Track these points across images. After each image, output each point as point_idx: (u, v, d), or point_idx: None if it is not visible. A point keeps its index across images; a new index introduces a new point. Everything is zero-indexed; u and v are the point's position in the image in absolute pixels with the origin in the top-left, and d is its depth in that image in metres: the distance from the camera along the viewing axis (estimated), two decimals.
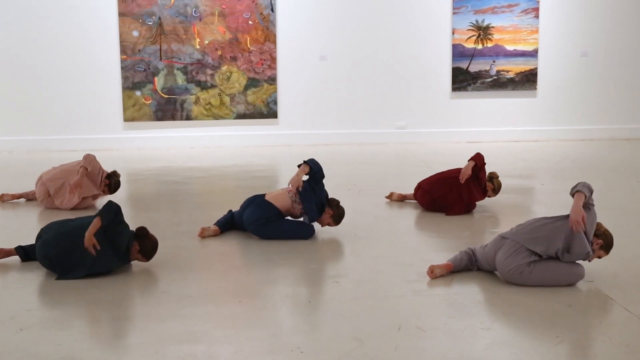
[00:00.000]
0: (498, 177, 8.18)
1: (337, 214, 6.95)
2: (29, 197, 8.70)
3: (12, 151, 13.02)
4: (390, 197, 8.58)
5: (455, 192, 7.93)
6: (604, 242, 5.45)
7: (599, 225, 5.48)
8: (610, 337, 4.46)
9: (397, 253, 6.41)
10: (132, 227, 7.59)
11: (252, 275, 5.85)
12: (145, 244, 5.88)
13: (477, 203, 8.08)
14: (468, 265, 5.72)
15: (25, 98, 13.27)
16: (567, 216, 5.36)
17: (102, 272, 5.72)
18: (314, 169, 6.92)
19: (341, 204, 7.02)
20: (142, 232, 5.92)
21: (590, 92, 14.30)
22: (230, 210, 7.27)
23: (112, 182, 8.54)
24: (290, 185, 6.93)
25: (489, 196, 8.16)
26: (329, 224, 6.99)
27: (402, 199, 8.52)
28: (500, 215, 7.89)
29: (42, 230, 5.97)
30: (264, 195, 7.03)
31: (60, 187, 8.28)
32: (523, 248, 5.35)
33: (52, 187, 8.27)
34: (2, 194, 8.67)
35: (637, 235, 6.95)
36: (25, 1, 13.06)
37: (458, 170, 8.08)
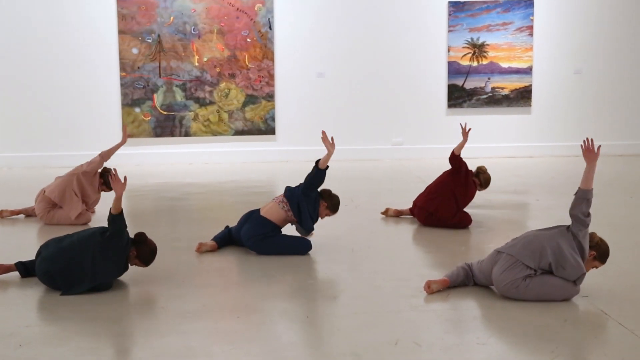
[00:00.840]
0: (485, 171, 8.19)
1: (332, 204, 7.01)
2: (28, 213, 8.69)
3: (11, 167, 13.01)
4: (385, 213, 8.58)
5: (448, 200, 7.93)
6: (598, 252, 5.45)
7: (592, 235, 5.48)
8: (605, 352, 4.45)
9: (394, 268, 6.40)
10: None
11: (250, 290, 5.84)
12: (143, 250, 5.88)
13: (473, 217, 8.08)
14: (464, 281, 5.71)
15: (25, 115, 13.28)
16: (557, 227, 5.39)
17: (105, 284, 5.72)
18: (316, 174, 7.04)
19: (337, 220, 7.03)
20: (141, 237, 5.92)
21: (584, 109, 14.34)
22: (227, 226, 7.27)
23: (105, 178, 8.52)
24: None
25: (477, 190, 8.17)
26: (327, 215, 7.03)
27: (398, 214, 8.52)
28: (495, 231, 7.89)
29: (41, 247, 5.95)
30: (259, 210, 7.03)
31: (64, 196, 8.30)
32: (519, 262, 5.34)
33: (57, 197, 8.28)
34: (2, 210, 8.66)
35: (631, 250, 6.94)
36: (26, 19, 13.09)
37: (444, 177, 8.08)
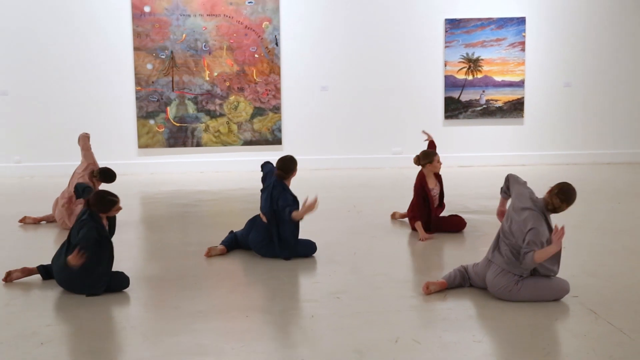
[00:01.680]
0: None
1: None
2: (50, 220, 8.73)
3: (33, 176, 13.04)
4: (393, 216, 8.62)
5: (424, 206, 7.91)
6: (559, 191, 5.39)
7: (552, 187, 5.45)
8: (594, 349, 4.44)
9: (394, 270, 6.40)
10: (144, 249, 7.60)
11: (257, 291, 5.84)
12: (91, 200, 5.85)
13: (469, 222, 8.08)
14: (461, 282, 5.71)
15: (47, 127, 13.32)
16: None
17: (121, 279, 5.75)
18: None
19: (340, 225, 7.02)
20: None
21: (573, 120, 14.34)
22: (232, 231, 7.29)
23: (98, 175, 8.51)
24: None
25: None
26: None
27: (403, 217, 8.55)
28: (491, 235, 7.82)
29: (53, 259, 5.94)
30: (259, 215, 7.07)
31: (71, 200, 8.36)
32: (506, 270, 5.36)
33: (68, 199, 8.34)
34: (25, 217, 8.67)
35: (619, 254, 6.93)
36: (48, 38, 13.15)
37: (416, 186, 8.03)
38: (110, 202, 5.81)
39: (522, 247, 5.23)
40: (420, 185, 7.90)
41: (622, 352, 4.38)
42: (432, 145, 8.61)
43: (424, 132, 9.01)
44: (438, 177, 8.10)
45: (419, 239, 7.59)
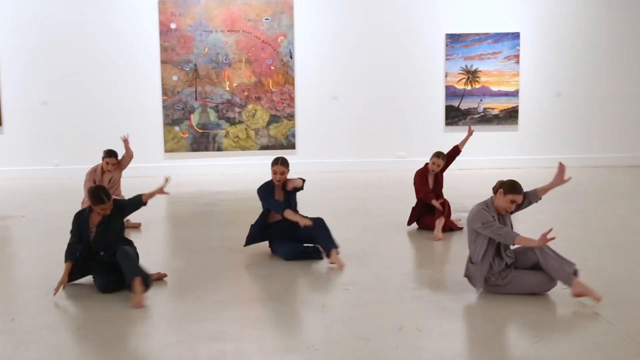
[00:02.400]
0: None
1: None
2: None
3: (71, 178, 13.12)
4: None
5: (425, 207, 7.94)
6: (504, 187, 5.22)
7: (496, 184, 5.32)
8: (582, 336, 4.44)
9: (399, 264, 6.40)
10: (170, 244, 7.64)
11: (273, 283, 5.85)
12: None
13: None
14: None
15: (83, 133, 13.41)
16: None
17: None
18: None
19: (349, 222, 7.01)
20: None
21: (564, 127, 14.30)
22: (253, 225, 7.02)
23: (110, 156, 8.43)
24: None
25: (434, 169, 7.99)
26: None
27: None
28: None
29: (94, 277, 5.81)
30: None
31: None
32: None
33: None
34: None
35: (604, 249, 6.92)
36: (86, 54, 13.26)
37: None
38: (100, 198, 5.52)
39: (478, 228, 5.19)
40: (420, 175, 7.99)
41: (607, 340, 4.37)
42: (456, 148, 8.39)
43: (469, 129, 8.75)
44: (435, 177, 8.07)
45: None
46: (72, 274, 5.57)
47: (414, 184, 8.05)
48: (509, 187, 5.24)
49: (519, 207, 5.40)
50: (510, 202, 5.24)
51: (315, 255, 6.55)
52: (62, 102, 13.41)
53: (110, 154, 8.46)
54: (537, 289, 5.27)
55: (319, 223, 6.57)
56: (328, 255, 6.43)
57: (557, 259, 5.14)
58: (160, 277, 5.83)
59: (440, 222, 7.59)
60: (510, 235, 5.13)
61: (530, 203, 5.48)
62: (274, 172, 6.78)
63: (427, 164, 8.04)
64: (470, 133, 8.50)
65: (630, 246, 7.04)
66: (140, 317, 4.98)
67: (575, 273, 5.11)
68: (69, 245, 5.65)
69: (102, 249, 5.65)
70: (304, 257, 6.52)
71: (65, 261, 5.55)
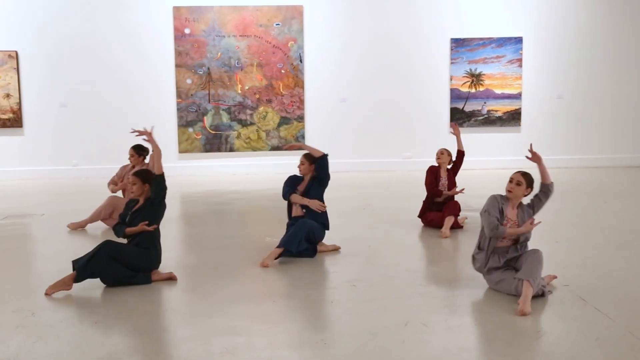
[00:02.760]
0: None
1: None
2: (93, 220, 8.26)
3: (88, 177, 13.16)
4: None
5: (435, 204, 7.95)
6: (527, 180, 5.40)
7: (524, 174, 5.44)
8: (583, 331, 4.41)
9: (405, 261, 6.38)
10: (184, 241, 7.64)
11: (284, 279, 5.85)
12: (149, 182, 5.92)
13: (472, 220, 8.03)
14: None
15: (100, 134, 13.45)
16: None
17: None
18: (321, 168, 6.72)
19: (357, 221, 7.00)
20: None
21: (565, 128, 14.24)
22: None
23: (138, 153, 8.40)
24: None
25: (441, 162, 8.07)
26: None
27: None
28: None
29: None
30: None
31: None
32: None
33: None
34: (70, 223, 8.29)
35: (605, 247, 6.87)
36: (102, 58, 13.30)
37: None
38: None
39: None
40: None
41: (607, 334, 4.34)
42: (459, 152, 8.32)
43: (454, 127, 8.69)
44: (448, 175, 8.09)
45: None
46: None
47: (425, 179, 8.06)
48: (530, 182, 5.45)
49: (540, 201, 5.46)
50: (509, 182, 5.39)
51: (308, 254, 6.51)
52: (80, 104, 13.45)
53: (134, 148, 8.42)
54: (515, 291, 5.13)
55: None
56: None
57: (538, 268, 5.03)
58: (170, 278, 5.81)
59: (449, 221, 7.57)
60: (499, 230, 5.18)
61: (543, 191, 5.49)
62: (299, 164, 6.80)
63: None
64: (456, 130, 8.44)
65: (630, 244, 7.00)
66: (155, 312, 4.99)
67: (540, 290, 5.01)
68: (113, 226, 5.89)
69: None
70: (298, 256, 6.45)
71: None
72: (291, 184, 6.79)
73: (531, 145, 5.78)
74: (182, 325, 4.66)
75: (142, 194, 5.88)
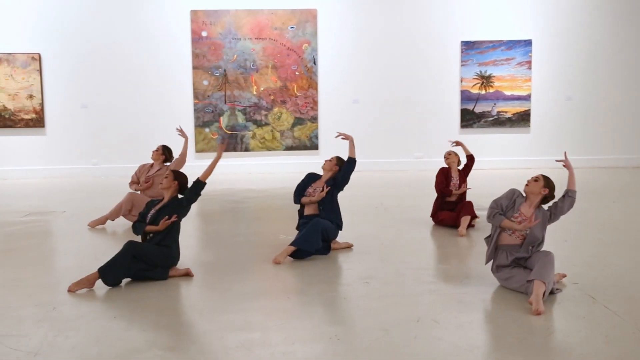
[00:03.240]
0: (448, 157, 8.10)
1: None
2: (113, 218, 8.27)
3: (108, 176, 13.22)
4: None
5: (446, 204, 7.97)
6: (548, 186, 5.43)
7: (546, 179, 5.47)
8: (592, 329, 4.37)
9: (417, 259, 6.36)
10: (201, 239, 7.64)
11: (298, 276, 5.84)
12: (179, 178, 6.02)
13: (482, 219, 7.99)
14: None
15: (119, 134, 13.50)
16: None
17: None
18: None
19: (369, 219, 6.99)
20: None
21: (574, 129, 14.14)
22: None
23: (165, 154, 8.43)
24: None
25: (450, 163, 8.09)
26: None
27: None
28: None
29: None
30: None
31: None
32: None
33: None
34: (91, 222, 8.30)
35: (614, 246, 6.81)
36: (122, 60, 13.35)
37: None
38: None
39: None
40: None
41: (616, 332, 4.30)
42: (468, 157, 8.35)
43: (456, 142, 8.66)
44: (459, 177, 8.10)
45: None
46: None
47: (435, 180, 8.08)
48: (551, 187, 5.51)
49: (557, 207, 5.41)
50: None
51: (322, 252, 6.49)
52: (100, 105, 13.51)
53: (164, 147, 8.51)
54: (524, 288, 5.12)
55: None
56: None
57: (550, 270, 4.97)
58: (187, 274, 5.81)
59: (465, 220, 7.56)
60: (496, 218, 5.23)
61: (565, 196, 5.47)
62: (328, 159, 6.92)
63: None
64: (458, 143, 8.43)
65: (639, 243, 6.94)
66: (173, 307, 4.99)
67: (550, 289, 4.93)
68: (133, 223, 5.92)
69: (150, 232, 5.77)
70: (314, 253, 6.42)
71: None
72: (303, 186, 6.78)
73: (565, 153, 5.80)
74: (199, 321, 4.66)
75: (169, 189, 5.89)
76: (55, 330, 4.46)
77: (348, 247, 6.77)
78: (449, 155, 8.12)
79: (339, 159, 6.83)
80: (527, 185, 5.39)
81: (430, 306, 4.89)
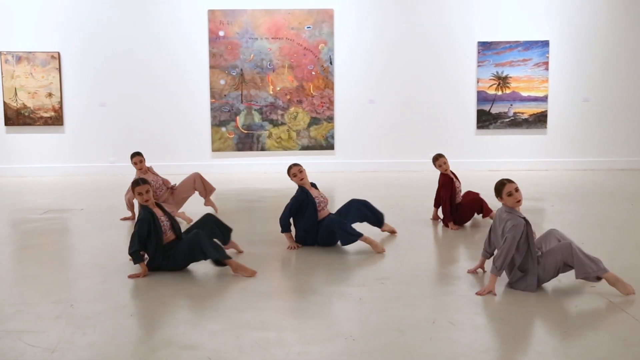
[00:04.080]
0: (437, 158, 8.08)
1: None
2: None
3: (125, 174, 13.28)
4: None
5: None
6: (496, 192, 5.44)
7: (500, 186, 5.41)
8: (610, 333, 4.32)
9: (432, 261, 6.33)
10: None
11: (314, 276, 5.83)
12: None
13: None
14: None
15: (137, 133, 13.57)
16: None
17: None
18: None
19: (386, 220, 7.01)
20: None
21: (591, 131, 14.02)
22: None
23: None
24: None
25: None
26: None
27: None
28: None
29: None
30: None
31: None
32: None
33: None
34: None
35: (632, 249, 6.74)
36: (140, 59, 13.42)
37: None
38: (134, 183, 5.96)
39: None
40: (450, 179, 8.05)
41: (635, 337, 4.25)
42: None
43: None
44: (452, 174, 8.17)
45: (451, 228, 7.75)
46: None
47: (442, 193, 8.05)
48: (496, 190, 5.45)
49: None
50: (508, 196, 5.35)
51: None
52: (118, 103, 13.58)
53: (133, 155, 8.60)
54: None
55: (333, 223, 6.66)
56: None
57: (586, 256, 5.05)
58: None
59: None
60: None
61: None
62: (294, 175, 7.06)
63: (440, 174, 8.13)
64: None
65: None
66: (189, 306, 5.00)
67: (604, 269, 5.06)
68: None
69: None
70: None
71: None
72: (298, 210, 6.87)
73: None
74: (215, 319, 4.66)
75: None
76: (73, 327, 4.48)
77: (393, 232, 7.32)
78: (443, 163, 8.01)
79: (293, 164, 7.12)
80: (519, 201, 5.38)
81: (446, 307, 4.87)
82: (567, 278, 5.45)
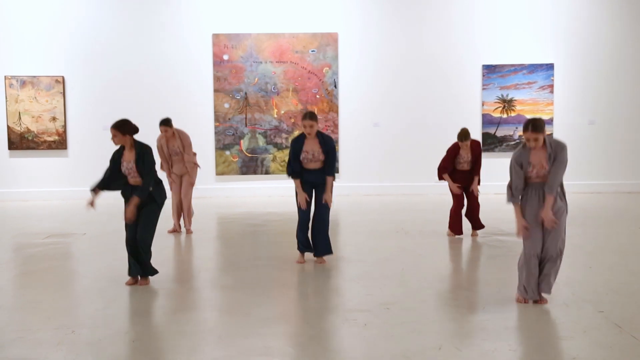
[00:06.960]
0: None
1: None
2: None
3: None
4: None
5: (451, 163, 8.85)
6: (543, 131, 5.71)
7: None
8: (618, 359, 4.27)
9: (438, 285, 6.28)
10: (220, 262, 7.60)
11: (318, 301, 5.79)
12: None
13: (509, 242, 7.89)
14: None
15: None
16: None
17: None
18: None
19: (390, 243, 6.95)
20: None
21: (597, 153, 13.99)
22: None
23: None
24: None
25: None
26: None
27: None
28: None
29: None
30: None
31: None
32: None
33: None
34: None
35: (638, 274, 6.69)
36: (147, 81, 13.47)
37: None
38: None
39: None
40: (454, 148, 8.81)
41: None
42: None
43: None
44: (473, 150, 8.76)
45: (450, 189, 8.71)
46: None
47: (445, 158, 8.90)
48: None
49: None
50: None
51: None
52: None
53: (162, 122, 9.73)
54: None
55: (320, 226, 7.13)
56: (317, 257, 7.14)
57: (554, 272, 5.44)
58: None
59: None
60: (511, 198, 5.88)
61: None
62: (304, 126, 7.14)
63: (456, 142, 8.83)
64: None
65: None
66: (191, 332, 4.96)
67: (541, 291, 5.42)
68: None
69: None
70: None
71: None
72: (300, 148, 7.28)
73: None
74: (218, 345, 4.62)
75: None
76: (74, 354, 4.44)
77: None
78: (460, 142, 8.68)
79: (309, 115, 7.19)
80: (533, 148, 5.72)
81: (452, 333, 4.82)
82: (575, 304, 5.40)
